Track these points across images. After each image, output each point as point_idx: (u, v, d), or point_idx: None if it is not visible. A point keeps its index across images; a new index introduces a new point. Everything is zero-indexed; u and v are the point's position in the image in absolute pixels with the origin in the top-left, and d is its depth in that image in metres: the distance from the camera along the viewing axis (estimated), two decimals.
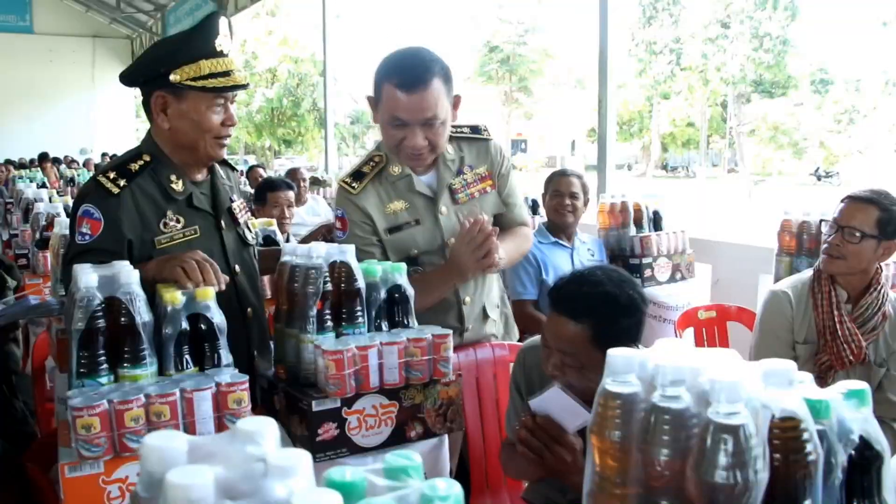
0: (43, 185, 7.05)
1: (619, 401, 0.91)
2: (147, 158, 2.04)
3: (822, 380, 2.52)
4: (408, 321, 1.93)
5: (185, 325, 1.61)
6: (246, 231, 2.24)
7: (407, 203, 2.32)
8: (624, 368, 0.91)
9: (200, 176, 2.15)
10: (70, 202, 5.31)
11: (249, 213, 2.33)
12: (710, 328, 3.35)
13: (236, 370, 1.63)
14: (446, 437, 1.95)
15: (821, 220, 2.71)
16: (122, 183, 1.97)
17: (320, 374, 1.74)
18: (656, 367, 0.87)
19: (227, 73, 2.02)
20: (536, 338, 2.08)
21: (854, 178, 32.83)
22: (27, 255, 4.14)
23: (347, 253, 1.85)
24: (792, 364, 0.90)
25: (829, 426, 0.91)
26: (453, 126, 2.41)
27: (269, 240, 3.11)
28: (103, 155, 16.77)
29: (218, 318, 1.65)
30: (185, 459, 0.67)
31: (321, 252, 1.82)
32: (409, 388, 1.81)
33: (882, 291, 2.49)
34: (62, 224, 2.60)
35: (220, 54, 2.02)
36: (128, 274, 1.58)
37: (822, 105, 40.46)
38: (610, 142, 5.32)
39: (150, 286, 1.65)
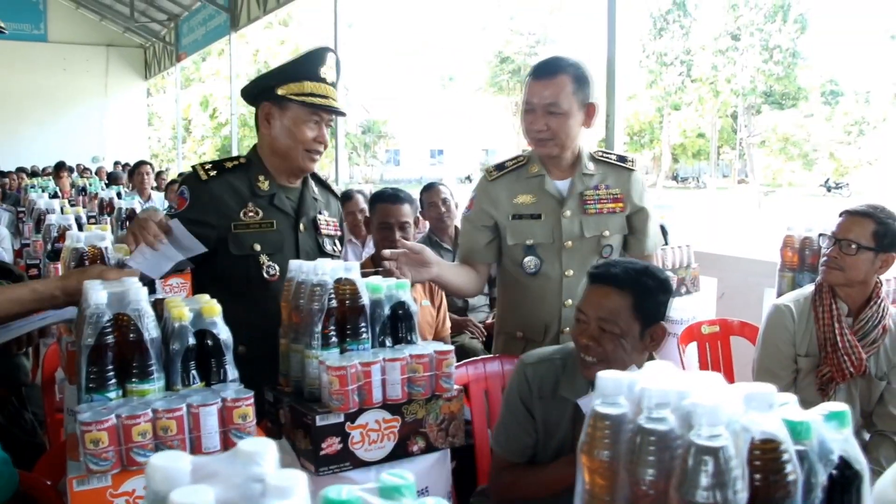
0: (55, 195, 7.11)
1: (608, 422, 0.95)
2: (243, 161, 2.47)
3: (824, 392, 2.56)
4: (411, 337, 1.97)
5: (192, 340, 1.65)
6: (326, 242, 2.54)
7: (534, 198, 2.60)
8: (613, 390, 0.95)
9: (290, 184, 2.50)
10: (82, 213, 5.38)
11: (339, 232, 2.65)
12: (714, 343, 3.37)
13: (242, 385, 1.67)
14: (448, 451, 1.98)
15: (819, 235, 2.76)
16: (212, 174, 2.39)
17: (324, 390, 1.78)
18: (643, 389, 0.90)
19: (325, 97, 2.37)
20: (535, 352, 2.20)
21: (864, 190, 32.76)
22: (38, 266, 4.18)
23: (352, 270, 1.89)
24: (772, 388, 0.93)
25: (810, 447, 0.94)
26: (602, 151, 2.75)
27: None
28: (116, 164, 16.87)
29: (224, 334, 1.69)
30: (189, 479, 0.71)
31: (326, 269, 1.86)
32: (411, 403, 1.84)
33: (882, 305, 2.53)
34: (73, 237, 2.65)
35: (323, 80, 2.37)
36: (137, 291, 1.62)
37: (831, 116, 40.38)
38: None
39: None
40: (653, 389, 0.89)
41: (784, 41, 38.17)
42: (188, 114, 31.41)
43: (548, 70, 2.49)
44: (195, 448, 1.52)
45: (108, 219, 5.34)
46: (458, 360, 2.74)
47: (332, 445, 1.76)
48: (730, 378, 3.28)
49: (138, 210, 4.66)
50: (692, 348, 3.33)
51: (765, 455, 0.88)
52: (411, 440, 1.86)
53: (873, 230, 2.47)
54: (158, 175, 10.10)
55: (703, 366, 3.26)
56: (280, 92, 2.33)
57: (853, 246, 2.48)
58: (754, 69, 38.41)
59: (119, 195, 7.11)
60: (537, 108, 2.50)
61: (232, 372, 1.70)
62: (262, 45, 31.68)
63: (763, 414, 0.89)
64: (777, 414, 0.91)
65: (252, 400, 1.59)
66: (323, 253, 2.49)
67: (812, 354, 2.59)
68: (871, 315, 2.52)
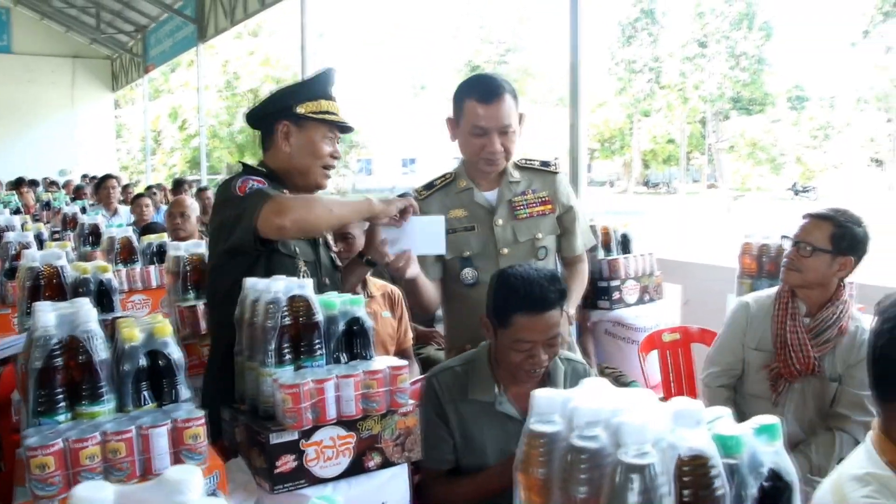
0: (18, 211, 7.03)
1: (543, 440, 0.96)
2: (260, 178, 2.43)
3: (774, 387, 2.64)
4: (366, 353, 1.97)
5: (143, 361, 1.65)
6: (337, 259, 2.66)
7: (466, 211, 2.68)
8: (547, 409, 0.96)
9: None
10: (44, 229, 5.31)
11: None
12: (675, 350, 3.41)
13: (194, 405, 1.67)
14: (406, 466, 1.99)
15: (782, 237, 2.83)
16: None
17: (278, 408, 1.77)
18: (574, 408, 0.92)
19: (336, 114, 2.46)
20: (438, 365, 2.40)
21: (830, 193, 33.24)
22: None
23: (306, 287, 1.89)
24: (699, 404, 0.95)
25: (741, 460, 0.96)
26: (525, 158, 2.79)
27: None
28: (83, 177, 16.69)
29: (176, 354, 1.69)
30: None
31: (280, 287, 1.86)
32: (366, 419, 1.84)
33: (841, 307, 2.57)
34: (30, 256, 2.62)
35: (333, 98, 2.47)
36: (87, 312, 1.61)
37: (798, 121, 40.97)
38: (582, 163, 5.41)
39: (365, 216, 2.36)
40: (584, 408, 0.91)
41: (750, 48, 38.72)
42: (157, 125, 31.14)
43: (494, 93, 2.54)
44: (146, 470, 1.51)
45: (72, 234, 5.30)
46: (424, 373, 2.79)
47: (286, 463, 1.75)
48: (690, 385, 3.32)
49: (102, 225, 4.60)
50: (653, 356, 3.36)
51: (693, 471, 0.90)
52: (367, 456, 1.87)
53: (831, 233, 2.52)
54: (125, 188, 10.01)
55: (665, 373, 3.29)
56: (300, 110, 2.39)
57: (808, 248, 2.53)
58: (721, 76, 38.92)
59: (83, 210, 7.06)
60: (491, 130, 2.55)
61: (185, 392, 1.70)
62: (230, 56, 31.50)
63: (691, 430, 0.91)
64: (705, 429, 0.92)
65: (203, 420, 1.59)
66: (335, 267, 2.60)
67: (763, 349, 2.68)
68: (827, 315, 2.57)
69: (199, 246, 3.01)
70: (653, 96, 41.01)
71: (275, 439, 1.74)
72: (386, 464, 1.89)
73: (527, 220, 2.69)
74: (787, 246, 2.67)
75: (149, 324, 1.72)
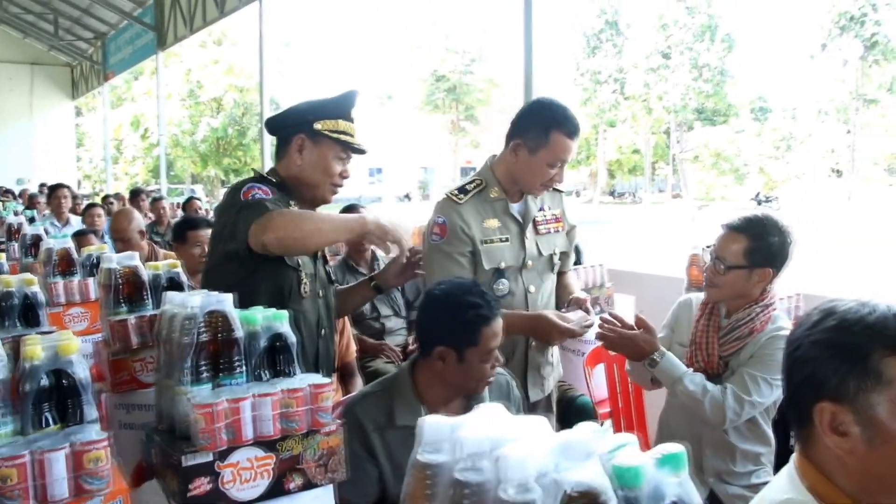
0: None
1: (429, 471, 0.91)
2: (274, 181, 2.47)
3: None
4: (290, 370, 1.90)
5: (45, 381, 1.56)
6: (332, 273, 2.69)
7: (499, 222, 2.68)
8: (435, 437, 0.90)
9: None
10: None
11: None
12: (622, 363, 3.36)
13: (99, 426, 1.59)
14: (331, 487, 1.92)
15: (705, 247, 2.81)
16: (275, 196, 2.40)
17: (192, 428, 1.70)
18: (459, 438, 0.86)
19: (352, 136, 2.49)
20: (355, 394, 2.39)
21: (792, 203, 33.71)
22: None
23: (225, 302, 1.82)
24: (590, 435, 0.89)
25: (641, 493, 0.91)
26: None
27: (173, 282, 3.05)
28: (41, 185, 16.38)
29: (82, 373, 1.61)
30: None
31: (196, 301, 1.79)
32: (286, 439, 1.77)
33: (759, 310, 2.54)
34: None
35: (352, 120, 2.51)
36: None
37: (761, 132, 41.60)
38: None
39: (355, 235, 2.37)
40: (469, 438, 0.85)
41: (712, 60, 39.27)
42: (119, 134, 30.73)
43: (578, 128, 2.63)
44: (42, 497, 1.43)
45: (16, 245, 5.16)
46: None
47: (201, 486, 1.68)
48: (638, 401, 3.28)
49: (44, 236, 4.47)
50: (600, 370, 3.31)
51: None
52: (288, 477, 1.79)
53: (745, 247, 2.49)
54: (76, 198, 9.81)
55: (612, 388, 3.25)
56: (318, 127, 2.44)
57: (722, 266, 2.52)
58: (685, 87, 39.38)
59: (32, 220, 6.89)
60: (565, 162, 2.63)
61: (90, 412, 1.62)
62: (194, 65, 31.21)
63: (580, 463, 0.85)
64: (597, 462, 0.87)
65: (107, 442, 1.51)
66: (330, 281, 2.66)
67: (685, 346, 2.71)
68: (742, 316, 2.55)
69: (132, 258, 2.91)
70: (617, 107, 41.40)
71: (188, 461, 1.66)
72: (308, 485, 1.82)
73: (547, 236, 2.79)
74: (708, 259, 2.65)
75: (55, 341, 1.64)
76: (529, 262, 2.71)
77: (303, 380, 1.83)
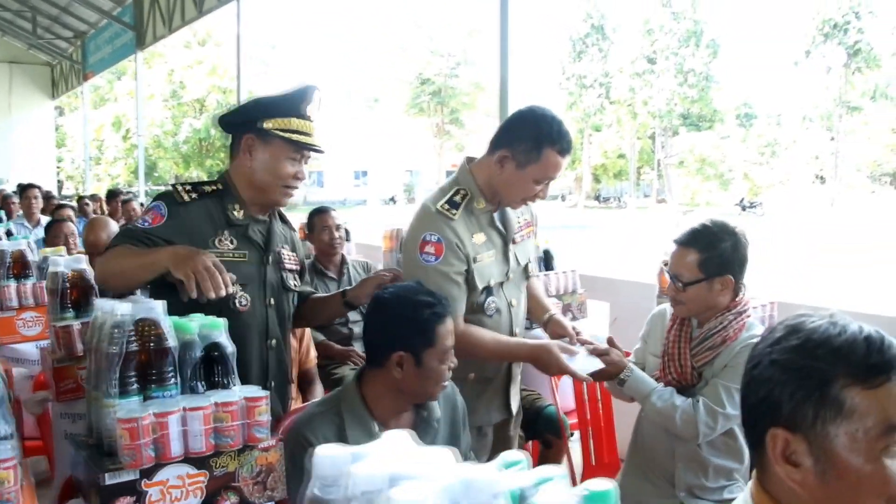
0: None
1: None
2: (220, 186, 2.38)
3: None
4: (228, 381, 1.80)
5: None
6: (290, 277, 2.50)
7: (486, 236, 2.51)
8: (328, 472, 0.81)
9: (261, 215, 2.43)
10: None
11: (299, 267, 2.58)
12: None
13: (12, 443, 1.48)
14: None
15: (663, 263, 2.73)
16: (193, 196, 2.32)
17: (116, 444, 1.59)
18: (350, 474, 0.76)
19: (308, 135, 2.34)
20: (300, 414, 2.22)
21: (776, 208, 33.83)
22: None
23: (155, 309, 1.72)
24: (496, 474, 0.79)
25: None
26: None
27: None
28: (18, 185, 16.13)
29: None
30: None
31: (126, 309, 1.69)
32: (220, 455, 1.67)
33: (731, 317, 2.46)
34: None
35: (307, 118, 2.35)
36: None
37: (746, 138, 41.80)
38: None
39: (158, 274, 1.99)
40: (362, 475, 0.75)
41: (698, 65, 39.41)
42: (101, 134, 30.45)
43: (571, 146, 2.48)
44: None
45: None
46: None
47: None
48: (608, 412, 3.19)
49: (4, 237, 4.35)
50: (567, 379, 3.22)
51: None
52: (222, 496, 1.69)
53: (697, 260, 2.41)
54: (48, 199, 9.66)
55: (579, 397, 3.16)
56: (266, 126, 2.30)
57: (679, 284, 2.45)
58: (670, 92, 39.50)
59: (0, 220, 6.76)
60: (552, 179, 2.49)
61: (4, 428, 1.51)
62: (177, 65, 30.99)
63: None
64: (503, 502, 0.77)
65: (13, 461, 1.41)
66: (285, 287, 2.47)
67: (658, 357, 2.63)
68: (714, 325, 2.47)
69: (79, 261, 2.80)
70: (603, 111, 41.47)
71: (109, 479, 1.55)
72: None
73: (521, 244, 2.64)
74: (668, 277, 2.57)
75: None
76: (511, 275, 2.57)
77: (237, 392, 1.72)
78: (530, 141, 2.40)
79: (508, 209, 2.59)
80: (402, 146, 45.06)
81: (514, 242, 2.59)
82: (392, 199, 43.60)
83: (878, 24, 39.10)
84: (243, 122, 2.35)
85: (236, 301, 2.30)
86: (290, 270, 2.51)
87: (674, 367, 2.50)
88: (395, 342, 2.06)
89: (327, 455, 0.79)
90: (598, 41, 41.35)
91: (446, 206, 2.46)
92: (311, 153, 2.39)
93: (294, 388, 2.98)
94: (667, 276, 3.34)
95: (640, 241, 19.98)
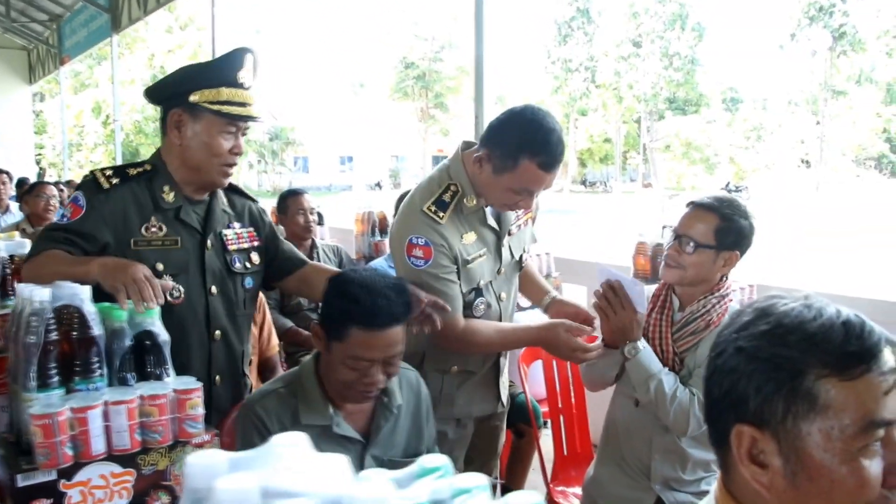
0: None
1: None
2: (148, 168, 2.16)
3: None
4: (161, 372, 1.67)
5: None
6: (236, 260, 2.27)
7: (477, 235, 2.33)
8: (198, 484, 0.68)
9: (199, 196, 2.22)
10: None
11: (256, 242, 2.35)
12: (561, 362, 3.15)
13: None
14: None
15: (663, 227, 2.54)
16: (115, 181, 2.10)
17: (32, 441, 1.47)
18: (217, 490, 0.64)
19: (243, 105, 2.12)
20: (254, 393, 2.03)
21: (761, 192, 33.88)
22: None
23: (79, 295, 1.59)
24: (382, 489, 0.67)
25: None
26: None
27: None
28: None
29: None
30: None
31: (45, 295, 1.56)
32: (148, 452, 1.55)
33: (714, 301, 2.33)
34: None
35: (241, 86, 2.12)
36: None
37: (732, 122, 41.83)
38: None
39: (92, 284, 1.67)
40: (226, 490, 0.63)
41: (683, 49, 39.31)
42: (81, 120, 30.04)
43: (558, 160, 2.20)
44: None
45: None
46: None
47: None
48: (580, 400, 3.08)
49: None
50: (537, 367, 3.10)
51: None
52: (152, 496, 1.57)
53: (716, 227, 2.26)
54: (20, 184, 9.45)
55: (550, 384, 3.04)
56: (193, 99, 2.07)
57: (691, 244, 2.27)
58: (656, 75, 39.42)
59: None
60: (533, 192, 2.24)
61: None
62: (160, 49, 30.60)
63: None
64: None
65: None
66: (231, 271, 2.25)
67: None
68: (697, 308, 2.33)
69: (22, 246, 2.66)
70: (588, 95, 41.33)
71: (23, 481, 1.43)
72: None
73: (517, 235, 2.47)
74: (669, 238, 2.39)
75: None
76: (502, 270, 2.42)
77: (166, 385, 1.60)
78: (509, 147, 2.17)
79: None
80: (387, 131, 44.78)
81: (509, 234, 2.42)
82: (378, 185, 43.32)
83: (862, 7, 39.14)
84: (170, 96, 2.13)
85: (167, 293, 2.05)
86: (241, 250, 2.29)
87: (655, 353, 2.35)
88: (322, 314, 1.94)
89: (198, 463, 0.67)
90: (584, 24, 41.15)
91: (433, 209, 2.28)
92: (249, 123, 2.18)
93: (255, 377, 2.84)
94: (642, 258, 3.24)
95: (626, 226, 19.91)
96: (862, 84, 40.39)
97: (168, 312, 2.04)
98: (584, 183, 48.17)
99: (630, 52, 39.67)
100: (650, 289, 2.50)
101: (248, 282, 2.33)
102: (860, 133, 41.22)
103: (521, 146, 2.15)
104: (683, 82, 39.86)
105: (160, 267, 2.08)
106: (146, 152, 30.41)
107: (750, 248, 2.33)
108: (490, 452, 2.67)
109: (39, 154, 32.81)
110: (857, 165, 44.07)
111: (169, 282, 1.86)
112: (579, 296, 4.46)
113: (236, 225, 2.31)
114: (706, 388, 1.11)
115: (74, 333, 1.58)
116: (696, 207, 2.32)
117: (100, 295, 1.70)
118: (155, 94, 2.20)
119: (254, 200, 2.44)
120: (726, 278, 2.37)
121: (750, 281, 3.41)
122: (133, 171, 2.14)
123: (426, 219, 2.26)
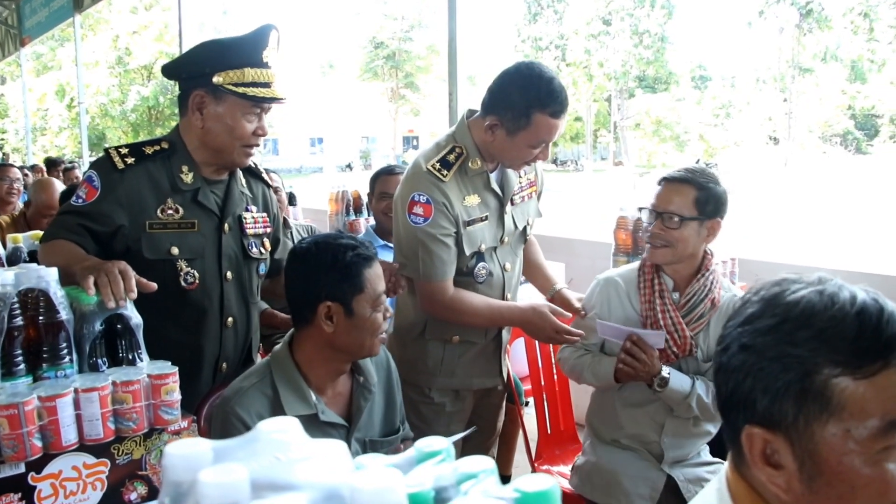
0: None
1: None
2: (165, 146, 2.09)
3: None
4: (134, 357, 1.60)
5: None
6: (253, 244, 2.22)
7: (480, 199, 2.35)
8: (178, 477, 0.62)
9: (218, 176, 2.16)
10: None
11: (269, 228, 2.31)
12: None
13: None
14: None
15: (639, 209, 2.48)
16: (130, 161, 2.03)
17: None
18: (200, 483, 0.57)
19: (267, 85, 2.05)
20: (228, 388, 1.93)
21: (731, 169, 34.14)
22: None
23: (45, 277, 1.51)
24: (390, 482, 0.61)
25: None
26: None
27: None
28: None
29: None
30: None
31: (8, 278, 1.47)
32: (122, 441, 1.48)
33: (711, 277, 2.30)
34: None
35: (265, 65, 2.06)
36: None
37: (701, 100, 42.07)
38: None
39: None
40: (210, 483, 0.56)
41: (653, 26, 39.35)
42: (44, 103, 29.43)
43: (565, 107, 2.23)
44: None
45: None
46: None
47: None
48: (563, 380, 3.04)
49: None
50: (519, 344, 3.06)
51: None
52: (127, 486, 1.50)
53: (695, 197, 2.22)
54: None
55: (533, 364, 3.00)
56: (217, 80, 2.00)
57: (675, 219, 2.23)
58: (626, 53, 39.48)
59: None
60: (550, 141, 2.29)
61: None
62: (122, 30, 29.99)
63: None
64: None
65: None
66: (248, 256, 2.21)
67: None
68: (697, 289, 2.29)
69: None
70: (559, 74, 41.20)
71: None
72: (154, 494, 1.53)
73: (521, 206, 2.49)
74: (647, 219, 2.34)
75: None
76: (506, 238, 2.42)
77: (140, 370, 1.52)
78: (518, 107, 2.20)
79: (511, 172, 2.44)
80: (357, 112, 44.45)
81: (512, 204, 2.43)
82: (349, 166, 43.04)
83: None
84: (191, 76, 2.06)
85: (181, 278, 2.05)
86: (256, 235, 2.25)
87: (674, 341, 2.27)
88: (321, 292, 1.85)
89: (179, 454, 0.60)
90: (554, 3, 41.07)
91: (437, 166, 2.29)
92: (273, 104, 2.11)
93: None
94: (623, 233, 3.20)
95: (598, 203, 19.96)
96: (827, 62, 40.76)
97: (182, 298, 2.05)
98: (555, 162, 48.20)
99: (600, 29, 39.65)
100: (632, 267, 2.45)
101: (262, 268, 2.30)
102: (826, 110, 41.65)
103: (530, 103, 2.18)
104: (653, 60, 39.96)
105: (175, 251, 2.03)
106: (113, 136, 29.93)
107: (727, 213, 2.30)
108: (489, 430, 2.67)
109: (2, 139, 32.17)
110: (824, 142, 44.52)
111: (153, 284, 1.70)
112: (558, 272, 4.42)
113: (253, 209, 2.27)
114: (714, 384, 1.05)
115: (41, 318, 1.50)
116: (671, 182, 2.28)
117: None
118: (174, 71, 2.13)
119: (268, 185, 2.39)
120: (712, 254, 2.34)
121: (731, 254, 3.39)
122: (149, 150, 2.07)
123: (430, 176, 2.28)
